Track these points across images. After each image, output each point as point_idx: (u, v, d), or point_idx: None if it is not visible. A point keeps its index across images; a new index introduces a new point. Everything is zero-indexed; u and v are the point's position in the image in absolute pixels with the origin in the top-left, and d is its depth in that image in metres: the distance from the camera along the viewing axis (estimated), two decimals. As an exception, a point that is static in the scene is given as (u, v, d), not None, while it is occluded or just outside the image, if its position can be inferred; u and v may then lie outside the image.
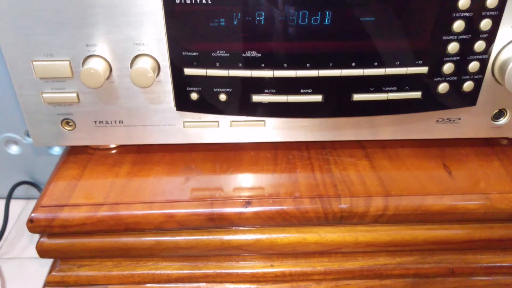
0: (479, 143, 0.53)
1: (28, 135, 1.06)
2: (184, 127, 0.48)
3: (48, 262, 1.00)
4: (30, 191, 1.14)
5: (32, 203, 1.15)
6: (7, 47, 0.42)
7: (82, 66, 0.43)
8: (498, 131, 0.50)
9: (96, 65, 0.42)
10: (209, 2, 0.40)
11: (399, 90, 0.45)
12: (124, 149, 0.52)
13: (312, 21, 0.41)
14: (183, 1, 0.40)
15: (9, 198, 1.09)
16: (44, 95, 0.45)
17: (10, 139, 1.07)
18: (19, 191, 1.13)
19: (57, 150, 1.08)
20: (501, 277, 0.50)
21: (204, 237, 0.46)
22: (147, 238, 0.46)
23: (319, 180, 0.47)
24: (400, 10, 0.41)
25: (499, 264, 0.49)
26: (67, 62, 0.43)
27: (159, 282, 0.48)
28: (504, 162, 0.50)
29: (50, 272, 0.49)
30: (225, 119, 0.48)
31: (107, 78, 0.44)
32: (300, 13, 0.41)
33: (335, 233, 0.46)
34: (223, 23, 0.41)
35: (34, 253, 1.04)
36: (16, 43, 0.42)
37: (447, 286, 0.49)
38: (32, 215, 0.45)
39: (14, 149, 1.09)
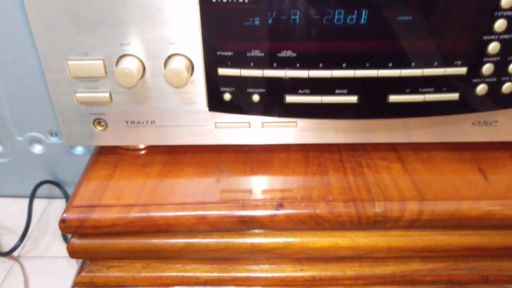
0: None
1: (52, 134, 1.07)
2: (215, 128, 0.48)
3: (71, 261, 1.00)
4: (53, 190, 1.15)
5: (55, 202, 1.16)
6: (42, 46, 0.42)
7: (116, 66, 0.43)
8: (537, 134, 0.49)
9: (130, 65, 0.42)
10: (246, 1, 0.39)
11: (436, 91, 0.44)
12: (154, 149, 0.52)
13: (348, 20, 0.41)
14: (219, 1, 0.39)
15: (32, 197, 1.10)
16: (77, 94, 0.45)
17: (34, 138, 1.08)
18: (41, 190, 1.14)
19: (79, 150, 1.09)
20: (538, 285, 0.48)
21: (235, 240, 0.45)
22: (177, 240, 0.46)
23: (352, 183, 0.46)
24: (438, 9, 0.40)
25: (536, 272, 0.48)
26: (101, 61, 0.43)
27: (187, 284, 0.48)
28: (541, 166, 0.49)
29: (79, 272, 0.49)
30: (256, 120, 0.47)
31: (141, 78, 0.43)
32: (336, 12, 0.40)
33: (367, 238, 0.46)
34: (258, 22, 0.41)
35: (57, 252, 1.05)
36: (51, 42, 0.42)
37: (482, 293, 0.48)
38: (64, 215, 0.45)
39: (38, 148, 1.10)
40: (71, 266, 1.01)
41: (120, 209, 0.44)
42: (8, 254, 1.02)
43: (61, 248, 1.05)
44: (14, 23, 0.91)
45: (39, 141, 1.08)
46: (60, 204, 1.15)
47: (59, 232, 1.08)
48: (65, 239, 1.06)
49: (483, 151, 0.51)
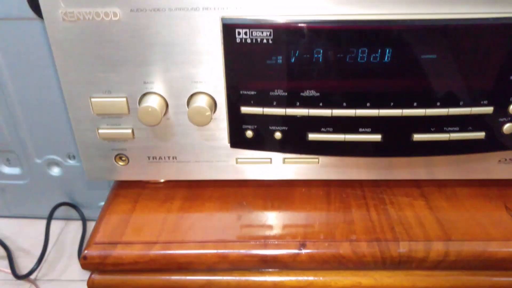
0: (541, 183, 0.50)
1: (69, 157, 1.08)
2: (236, 163, 0.47)
3: (82, 284, 1.00)
4: (69, 212, 1.16)
5: (71, 224, 1.17)
6: (66, 83, 0.43)
7: (139, 103, 0.43)
8: None
9: (154, 103, 0.42)
10: (270, 42, 0.39)
11: (462, 130, 0.43)
12: (174, 183, 0.51)
13: (371, 59, 0.40)
14: (243, 41, 0.39)
15: (49, 219, 1.11)
16: (100, 130, 0.45)
17: (52, 161, 1.09)
18: (58, 211, 1.14)
19: (97, 173, 1.09)
20: None
21: (256, 278, 0.45)
22: (198, 277, 0.45)
23: (376, 221, 0.46)
24: (463, 47, 0.40)
25: None
26: (124, 99, 0.43)
27: (208, 321, 0.47)
28: None
29: (98, 307, 0.49)
30: (278, 156, 0.47)
31: (164, 115, 0.43)
32: (360, 50, 0.40)
33: (391, 277, 0.45)
34: (280, 61, 0.41)
35: (73, 275, 1.04)
36: (75, 80, 0.42)
37: (509, 336, 0.47)
38: (86, 252, 0.45)
39: (55, 171, 1.11)
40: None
41: (141, 246, 0.44)
42: (25, 277, 1.02)
43: (77, 271, 1.05)
44: (35, 50, 0.92)
45: (57, 164, 1.09)
46: (77, 226, 1.15)
47: (75, 255, 1.08)
48: (81, 262, 1.06)
49: (510, 189, 0.50)
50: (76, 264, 1.07)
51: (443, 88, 0.41)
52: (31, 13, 0.85)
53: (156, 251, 0.43)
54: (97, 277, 0.46)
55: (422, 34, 0.39)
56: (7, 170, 1.12)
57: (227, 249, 0.43)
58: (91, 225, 1.15)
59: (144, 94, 0.43)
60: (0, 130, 1.04)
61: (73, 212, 1.15)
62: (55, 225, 1.14)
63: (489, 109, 0.42)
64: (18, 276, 1.02)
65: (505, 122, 0.43)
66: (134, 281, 0.46)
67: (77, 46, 0.41)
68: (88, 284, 0.47)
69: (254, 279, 0.45)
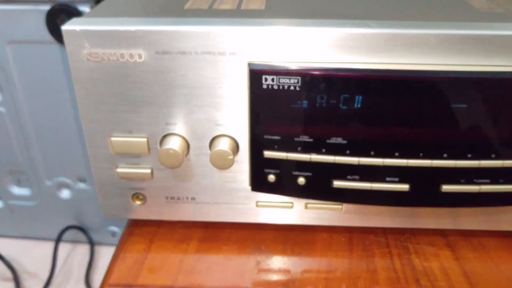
0: None
1: (80, 180, 1.07)
2: (256, 206, 0.46)
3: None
4: (77, 235, 1.15)
5: (79, 247, 1.15)
6: (86, 121, 0.42)
7: (160, 145, 0.42)
8: None
9: (175, 145, 0.41)
10: (297, 88, 0.38)
11: (493, 182, 0.42)
12: (191, 223, 0.50)
13: (400, 108, 0.39)
14: (270, 87, 0.38)
15: (57, 242, 1.10)
16: (118, 169, 0.44)
17: (63, 183, 1.08)
18: (66, 234, 1.13)
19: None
20: None
21: (275, 328, 0.43)
22: (214, 325, 0.43)
23: (400, 272, 0.44)
24: (495, 99, 0.39)
25: None
26: (145, 139, 0.42)
27: None
28: None
29: None
30: (300, 201, 0.45)
31: (185, 157, 0.42)
32: (389, 99, 0.39)
33: (415, 332, 0.43)
34: (306, 106, 0.39)
35: (79, 301, 1.03)
36: (96, 119, 0.42)
37: None
38: (99, 294, 0.43)
39: (65, 193, 1.10)
40: (93, 317, 0.99)
41: (157, 291, 0.43)
42: (31, 302, 1.01)
43: (83, 297, 1.04)
44: (51, 74, 0.92)
45: (67, 186, 1.08)
46: (84, 250, 1.14)
47: (82, 279, 1.07)
48: (88, 286, 1.05)
49: (538, 239, 0.48)
50: (82, 289, 1.05)
51: (475, 139, 0.40)
52: (49, 37, 0.86)
53: (172, 298, 0.42)
54: (109, 320, 0.44)
55: (453, 85, 0.38)
56: (17, 190, 1.11)
57: (245, 298, 0.42)
58: (99, 249, 1.14)
59: (166, 135, 0.42)
60: (12, 151, 1.03)
61: (81, 236, 1.14)
62: (63, 248, 1.13)
63: (522, 162, 0.41)
64: (24, 300, 1.01)
65: (537, 175, 0.41)
66: (148, 326, 0.44)
67: (100, 85, 0.40)
68: (100, 328, 0.45)
69: (272, 329, 0.43)
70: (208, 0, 0.46)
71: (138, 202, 0.47)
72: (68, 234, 1.13)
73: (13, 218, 1.15)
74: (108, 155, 0.44)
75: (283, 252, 0.47)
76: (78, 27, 0.38)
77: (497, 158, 0.40)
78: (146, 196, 0.46)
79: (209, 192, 0.45)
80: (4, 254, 1.06)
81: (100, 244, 1.15)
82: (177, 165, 0.41)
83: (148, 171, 0.44)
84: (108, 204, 0.47)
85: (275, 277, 0.44)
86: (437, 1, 0.48)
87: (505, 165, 0.41)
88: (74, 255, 1.14)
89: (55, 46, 0.88)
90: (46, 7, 0.82)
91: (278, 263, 0.46)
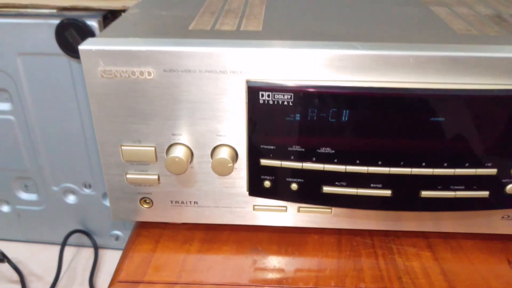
0: (542, 238, 0.53)
1: (85, 186, 1.11)
2: (253, 210, 0.50)
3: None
4: (82, 239, 1.19)
5: (83, 251, 1.19)
6: (100, 131, 0.46)
7: (167, 154, 0.46)
8: None
9: (180, 153, 0.45)
10: (290, 103, 0.43)
11: (467, 189, 0.46)
12: (193, 225, 0.54)
13: (383, 122, 0.43)
14: (266, 102, 0.43)
15: (63, 245, 1.14)
16: (127, 175, 0.48)
17: (69, 189, 1.12)
18: (71, 238, 1.17)
19: (111, 201, 1.12)
20: None
21: (269, 321, 0.47)
22: (214, 318, 0.48)
23: (384, 271, 0.48)
24: (469, 112, 0.43)
25: None
26: (153, 149, 0.46)
27: None
28: None
29: None
30: (293, 205, 0.50)
31: (189, 164, 0.47)
32: (373, 114, 0.43)
33: (398, 325, 0.47)
34: (299, 119, 0.44)
35: (83, 303, 1.06)
36: (108, 129, 0.46)
37: None
38: (109, 289, 0.47)
39: (71, 199, 1.14)
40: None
41: (162, 286, 0.47)
42: (37, 302, 1.05)
43: (87, 298, 1.08)
44: (60, 84, 0.96)
45: (73, 192, 1.13)
46: (88, 253, 1.18)
47: (86, 282, 1.11)
48: (92, 289, 1.09)
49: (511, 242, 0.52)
50: (87, 291, 1.09)
51: (450, 150, 0.44)
52: (58, 50, 0.90)
53: (176, 292, 0.46)
54: (118, 314, 0.49)
55: (431, 101, 0.42)
56: (24, 196, 1.15)
57: (243, 293, 0.46)
58: (102, 253, 1.18)
59: (172, 145, 0.46)
60: (21, 158, 1.08)
61: (85, 240, 1.18)
62: (68, 251, 1.17)
63: (492, 171, 0.45)
64: (30, 302, 1.05)
65: (507, 183, 0.46)
66: (153, 319, 0.48)
67: (113, 99, 0.44)
68: (110, 321, 0.49)
69: (267, 322, 0.47)
70: (210, 21, 0.51)
71: (145, 206, 0.51)
72: (73, 238, 1.17)
73: (20, 223, 1.19)
74: (119, 162, 0.48)
75: (278, 252, 0.51)
76: (93, 47, 0.42)
77: (470, 167, 0.45)
78: (153, 200, 0.50)
79: (210, 196, 0.50)
80: (11, 257, 1.10)
81: (104, 247, 1.19)
82: (181, 172, 0.46)
83: (155, 177, 0.48)
84: (117, 208, 0.51)
85: (270, 275, 0.48)
86: (420, 22, 0.52)
87: (477, 173, 0.45)
88: (78, 258, 1.18)
89: (64, 58, 0.92)
90: (56, 21, 0.87)
91: (273, 262, 0.50)
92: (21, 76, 0.96)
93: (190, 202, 0.50)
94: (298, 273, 0.48)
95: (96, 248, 1.17)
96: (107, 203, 1.12)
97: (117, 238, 1.17)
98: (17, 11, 0.88)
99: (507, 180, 0.46)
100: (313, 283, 0.47)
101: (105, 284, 1.09)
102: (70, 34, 0.87)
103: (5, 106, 1.01)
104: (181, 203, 0.50)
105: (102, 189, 1.11)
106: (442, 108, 0.43)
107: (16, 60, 0.94)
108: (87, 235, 1.17)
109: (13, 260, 1.11)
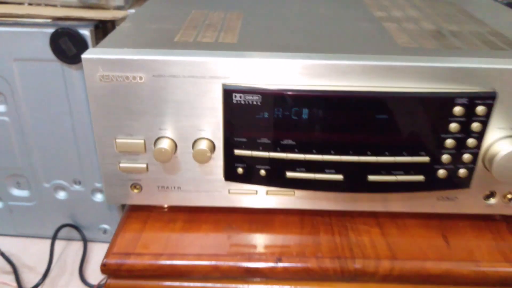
0: (475, 218, 0.62)
1: (75, 182, 1.19)
2: (229, 193, 0.59)
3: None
4: (71, 233, 1.26)
5: (73, 244, 1.27)
6: (97, 127, 0.55)
7: (154, 145, 0.55)
8: (490, 209, 0.60)
9: (166, 145, 0.54)
10: (259, 103, 0.52)
11: (406, 174, 0.55)
12: (176, 208, 0.63)
13: (335, 119, 0.53)
14: (238, 102, 0.52)
15: (54, 239, 1.21)
16: (120, 164, 0.57)
17: (59, 186, 1.20)
18: (61, 232, 1.24)
19: (99, 198, 1.20)
20: (490, 334, 0.58)
21: (241, 286, 0.56)
22: (195, 284, 0.56)
23: (338, 243, 0.57)
24: (408, 113, 0.52)
25: (488, 323, 0.58)
26: (142, 141, 0.55)
27: (201, 322, 0.58)
28: (495, 235, 0.60)
29: (111, 308, 0.59)
30: (262, 189, 0.59)
31: (173, 154, 0.55)
32: (327, 112, 0.52)
33: (349, 288, 0.56)
34: (266, 116, 0.53)
35: (73, 290, 1.14)
36: (105, 125, 0.54)
37: None
38: (105, 260, 0.56)
39: (61, 195, 1.21)
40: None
41: (150, 257, 0.55)
42: (30, 291, 1.12)
43: (77, 287, 1.15)
44: (53, 88, 1.04)
45: (63, 188, 1.20)
46: (77, 246, 1.25)
47: (76, 273, 1.18)
48: (82, 279, 1.16)
49: (448, 221, 0.62)
50: (76, 280, 1.16)
51: (391, 142, 0.54)
52: (52, 56, 0.98)
53: (162, 261, 0.55)
54: (112, 281, 0.57)
55: (374, 101, 0.52)
56: (16, 192, 1.22)
57: (218, 261, 0.55)
58: (91, 246, 1.25)
59: (159, 138, 0.55)
60: (14, 156, 1.15)
61: (75, 233, 1.25)
62: (58, 244, 1.24)
63: (426, 159, 0.54)
64: (24, 290, 1.12)
65: (439, 169, 0.55)
66: (143, 285, 0.57)
67: (109, 100, 0.53)
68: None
69: (240, 286, 0.56)
70: (193, 34, 0.60)
71: (135, 191, 0.59)
72: (63, 232, 1.24)
73: (12, 218, 1.26)
74: (113, 153, 0.56)
75: (249, 229, 0.60)
76: (94, 56, 0.51)
77: (408, 155, 0.54)
78: (142, 185, 0.59)
79: (192, 182, 0.58)
80: (4, 250, 1.17)
81: (93, 241, 1.26)
82: (167, 160, 0.54)
83: (144, 165, 0.57)
84: (111, 193, 0.60)
85: (242, 248, 0.57)
86: (371, 36, 0.62)
87: (413, 161, 0.54)
88: (68, 251, 1.25)
89: (57, 63, 1.00)
90: (51, 30, 0.95)
91: (245, 239, 0.59)
92: (16, 80, 1.04)
93: (174, 187, 0.59)
94: (266, 246, 0.57)
95: (85, 241, 1.24)
96: (95, 198, 1.20)
97: (105, 231, 1.25)
98: (15, 20, 0.95)
99: (439, 166, 0.55)
100: (278, 254, 0.56)
101: (94, 274, 1.17)
102: (64, 42, 0.95)
103: (0, 108, 1.08)
104: (166, 188, 0.59)
105: (91, 186, 1.18)
106: (385, 107, 0.52)
107: (12, 65, 1.01)
108: (77, 229, 1.25)
109: (6, 254, 1.18)
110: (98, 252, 1.23)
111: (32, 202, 1.23)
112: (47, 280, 1.17)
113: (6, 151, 1.13)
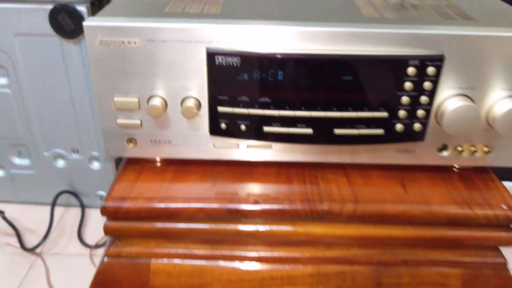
0: (431, 168, 0.71)
1: (74, 151, 1.26)
2: (214, 147, 0.67)
3: (85, 258, 1.17)
4: (70, 199, 1.34)
5: (71, 210, 1.35)
6: (97, 87, 0.62)
7: (147, 103, 0.62)
8: (443, 160, 0.68)
9: (157, 102, 0.62)
10: (238, 65, 0.59)
11: (367, 127, 0.63)
12: (167, 161, 0.71)
13: (307, 79, 0.61)
14: (220, 64, 0.59)
15: (53, 205, 1.29)
16: (117, 120, 0.64)
17: (59, 154, 1.27)
18: (60, 198, 1.32)
19: (96, 166, 1.28)
20: (441, 268, 0.67)
21: (224, 226, 0.64)
22: (182, 225, 0.64)
23: (309, 190, 0.66)
24: (368, 73, 0.60)
25: (440, 258, 0.67)
26: (137, 99, 0.63)
27: (189, 258, 0.66)
28: (447, 184, 0.68)
29: (109, 247, 0.67)
30: (243, 143, 0.67)
31: (164, 111, 0.63)
32: (299, 73, 0.60)
33: (319, 228, 0.64)
34: (246, 77, 0.61)
35: (72, 251, 1.22)
36: (104, 85, 0.62)
37: (401, 273, 0.67)
38: (104, 203, 0.63)
39: (60, 163, 1.29)
40: (85, 262, 1.18)
41: (144, 200, 0.63)
42: (32, 250, 1.20)
43: (76, 248, 1.23)
44: (51, 61, 1.11)
45: (62, 157, 1.27)
46: (76, 212, 1.33)
47: (75, 235, 1.26)
48: (81, 240, 1.24)
49: (407, 171, 0.70)
50: (75, 242, 1.24)
51: (354, 99, 0.62)
52: (51, 31, 1.05)
53: (154, 204, 0.63)
54: (111, 223, 0.65)
55: (340, 63, 0.60)
56: (17, 161, 1.30)
57: (204, 203, 0.63)
58: (88, 211, 1.33)
59: (151, 96, 0.62)
60: (15, 127, 1.22)
61: (73, 200, 1.33)
62: (57, 211, 1.32)
63: (384, 114, 0.63)
64: (26, 249, 1.20)
65: (396, 123, 0.63)
66: (136, 227, 0.65)
67: (108, 62, 0.60)
68: (104, 229, 0.65)
69: (223, 226, 0.64)
70: (181, 6, 0.67)
71: (130, 145, 0.67)
72: (62, 199, 1.32)
73: (14, 186, 1.33)
74: (111, 110, 0.64)
75: (232, 179, 0.68)
76: (94, 23, 0.58)
77: (368, 110, 0.62)
78: (136, 140, 0.66)
79: (181, 137, 0.66)
80: (6, 216, 1.25)
81: (90, 207, 1.34)
82: (158, 116, 0.62)
83: (138, 121, 0.64)
84: (110, 147, 0.68)
85: (225, 194, 0.65)
86: (340, 8, 0.69)
87: (374, 116, 0.62)
88: (67, 216, 1.33)
89: (56, 38, 1.07)
90: (50, 6, 1.02)
91: (228, 187, 0.67)
92: (17, 54, 1.10)
93: (165, 141, 0.67)
94: (246, 192, 0.65)
95: (83, 206, 1.32)
96: (93, 166, 1.28)
97: (101, 198, 1.33)
98: (16, -4, 1.02)
99: (396, 121, 0.63)
100: (255, 199, 0.64)
101: (92, 236, 1.26)
102: (62, 17, 1.01)
103: (2, 80, 1.15)
104: (158, 142, 0.67)
105: (89, 154, 1.26)
106: (348, 68, 0.60)
107: (13, 40, 1.08)
108: (75, 196, 1.32)
109: (8, 219, 1.26)
110: (95, 218, 1.31)
111: (32, 170, 1.30)
112: (48, 242, 1.25)
113: (7, 121, 1.20)
